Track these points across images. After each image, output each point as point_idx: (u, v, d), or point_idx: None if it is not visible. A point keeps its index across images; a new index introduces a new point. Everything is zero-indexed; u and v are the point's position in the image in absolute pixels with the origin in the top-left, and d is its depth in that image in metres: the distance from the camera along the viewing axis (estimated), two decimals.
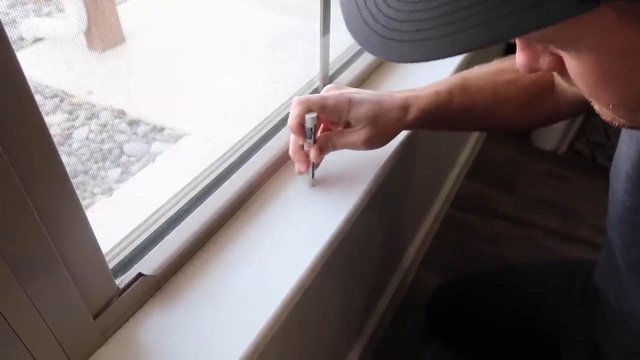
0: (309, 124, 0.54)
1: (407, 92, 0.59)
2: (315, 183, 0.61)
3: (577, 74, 0.30)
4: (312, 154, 0.56)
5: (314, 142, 0.56)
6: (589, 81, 0.30)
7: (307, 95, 0.55)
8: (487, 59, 0.65)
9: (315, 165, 0.59)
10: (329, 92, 0.57)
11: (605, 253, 0.67)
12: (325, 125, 0.60)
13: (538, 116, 0.64)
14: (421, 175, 1.20)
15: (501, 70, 0.61)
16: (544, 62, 0.33)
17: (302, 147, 0.57)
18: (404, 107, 0.57)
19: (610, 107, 0.32)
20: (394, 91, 0.60)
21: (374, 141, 0.57)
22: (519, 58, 0.34)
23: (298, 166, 0.58)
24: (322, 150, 0.57)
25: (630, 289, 0.58)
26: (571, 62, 0.30)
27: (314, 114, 0.53)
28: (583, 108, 0.62)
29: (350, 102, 0.55)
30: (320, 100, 0.54)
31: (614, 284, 0.64)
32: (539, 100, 0.62)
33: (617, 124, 0.35)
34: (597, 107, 0.35)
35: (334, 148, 0.58)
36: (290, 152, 0.58)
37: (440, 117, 0.59)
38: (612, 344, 0.67)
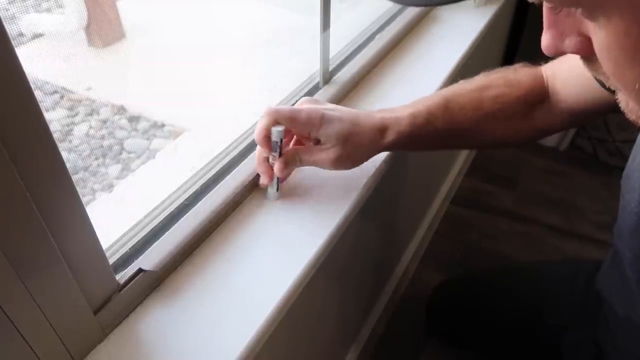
0: (274, 137, 0.52)
1: (386, 112, 0.57)
2: (279, 197, 0.59)
3: (603, 48, 0.28)
4: (276, 167, 0.54)
5: (280, 155, 0.54)
6: (613, 55, 0.28)
7: (278, 107, 0.53)
8: (486, 65, 0.63)
9: (280, 179, 0.57)
10: (304, 105, 0.55)
11: (612, 262, 0.66)
12: (297, 140, 0.58)
13: (529, 131, 0.61)
14: (420, 173, 1.20)
15: (487, 86, 0.59)
16: (570, 43, 0.31)
17: (268, 159, 0.55)
18: (381, 129, 0.55)
19: (637, 86, 0.29)
20: (374, 110, 0.57)
21: (343, 162, 0.54)
22: (544, 39, 0.32)
23: (262, 178, 0.57)
24: (287, 165, 0.54)
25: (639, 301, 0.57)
26: (598, 35, 0.28)
27: (281, 127, 0.52)
28: (577, 120, 0.61)
29: (323, 118, 0.52)
30: (291, 113, 0.52)
31: (621, 295, 0.63)
32: (530, 115, 0.60)
33: None
34: (622, 100, 0.32)
35: (301, 164, 0.55)
36: (255, 162, 0.56)
37: (421, 138, 0.57)
38: (617, 349, 0.67)
